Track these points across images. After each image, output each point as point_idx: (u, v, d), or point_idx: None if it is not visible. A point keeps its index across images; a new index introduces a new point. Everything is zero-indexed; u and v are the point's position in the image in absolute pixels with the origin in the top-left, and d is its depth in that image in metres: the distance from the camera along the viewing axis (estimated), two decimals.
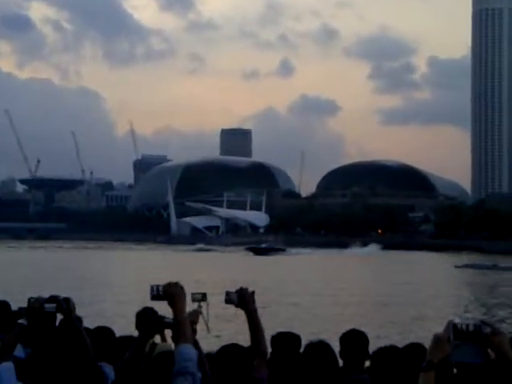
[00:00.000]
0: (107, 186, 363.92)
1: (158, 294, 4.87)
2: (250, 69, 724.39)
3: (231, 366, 5.11)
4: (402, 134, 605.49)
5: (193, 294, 5.57)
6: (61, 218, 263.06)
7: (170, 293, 4.83)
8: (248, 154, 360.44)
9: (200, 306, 5.79)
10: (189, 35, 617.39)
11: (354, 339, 6.08)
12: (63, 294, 5.80)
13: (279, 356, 6.07)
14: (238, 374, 5.10)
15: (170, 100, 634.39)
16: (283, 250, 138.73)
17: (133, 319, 5.87)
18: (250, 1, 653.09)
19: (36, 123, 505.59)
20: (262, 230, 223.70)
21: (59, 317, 5.83)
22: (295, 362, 5.67)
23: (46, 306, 5.67)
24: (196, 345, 5.51)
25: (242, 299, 5.73)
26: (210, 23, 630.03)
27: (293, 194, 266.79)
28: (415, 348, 5.76)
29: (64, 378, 4.88)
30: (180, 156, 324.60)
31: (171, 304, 4.83)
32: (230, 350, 5.22)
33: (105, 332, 6.67)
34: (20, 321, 5.72)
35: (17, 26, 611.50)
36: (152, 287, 4.90)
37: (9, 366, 5.47)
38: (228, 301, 5.73)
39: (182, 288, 4.87)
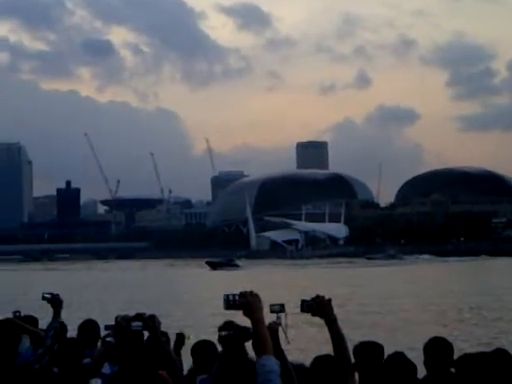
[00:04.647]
0: (186, 204, 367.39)
1: (233, 303, 4.74)
2: (326, 83, 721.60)
3: (327, 377, 5.09)
4: (482, 140, 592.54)
5: (271, 305, 5.51)
6: (141, 236, 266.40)
7: (246, 302, 4.69)
8: (324, 166, 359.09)
9: (279, 318, 5.75)
10: (266, 52, 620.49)
11: (438, 347, 6.03)
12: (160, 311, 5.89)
13: (362, 366, 6.03)
14: (334, 383, 5.09)
15: (247, 117, 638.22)
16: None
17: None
18: (326, 16, 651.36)
19: (115, 145, 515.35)
20: (341, 242, 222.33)
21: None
22: (378, 372, 5.64)
23: (133, 324, 5.78)
24: (281, 355, 5.53)
25: (320, 307, 5.70)
26: (287, 40, 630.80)
27: (372, 205, 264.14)
28: (501, 354, 5.66)
29: None
30: (257, 172, 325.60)
31: (247, 314, 4.68)
32: (324, 360, 5.21)
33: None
34: (108, 339, 5.85)
35: (97, 51, 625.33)
36: (227, 296, 4.76)
37: (97, 382, 5.61)
38: (304, 309, 5.67)
39: (258, 297, 4.73)
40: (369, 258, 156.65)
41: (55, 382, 5.69)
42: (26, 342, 8.21)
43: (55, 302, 7.73)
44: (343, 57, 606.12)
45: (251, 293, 4.77)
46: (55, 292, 7.83)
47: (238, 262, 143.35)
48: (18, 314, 9.49)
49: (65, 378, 6.21)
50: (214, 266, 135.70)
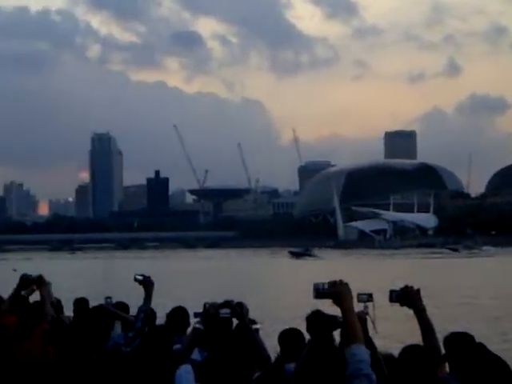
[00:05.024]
0: (273, 193, 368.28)
1: (323, 292, 4.76)
2: (415, 71, 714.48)
3: (416, 367, 5.05)
4: None
5: (359, 294, 5.49)
6: (229, 226, 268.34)
7: (336, 291, 4.69)
8: (413, 156, 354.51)
9: (366, 307, 5.72)
10: (353, 41, 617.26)
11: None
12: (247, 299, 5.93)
13: (452, 357, 5.94)
14: (424, 373, 5.04)
15: (334, 107, 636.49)
16: None
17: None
18: (415, 4, 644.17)
19: (203, 136, 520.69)
20: (430, 232, 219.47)
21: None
22: (469, 363, 5.55)
23: (221, 311, 5.84)
24: (370, 345, 5.50)
25: (408, 298, 5.64)
26: (375, 28, 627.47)
27: (461, 195, 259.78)
28: None
29: (239, 381, 5.04)
30: (344, 161, 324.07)
31: (337, 302, 4.67)
32: (414, 350, 5.17)
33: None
34: (196, 325, 5.92)
35: (185, 42, 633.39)
36: (316, 285, 4.78)
37: (187, 368, 5.68)
38: (393, 299, 5.64)
39: (347, 286, 4.72)
40: (451, 249, 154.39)
41: (145, 365, 5.80)
42: (117, 327, 8.39)
43: (146, 283, 7.83)
44: (432, 45, 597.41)
45: (341, 281, 4.79)
46: (147, 274, 7.93)
47: (314, 252, 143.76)
48: (109, 300, 9.70)
49: (155, 364, 6.32)
50: (296, 255, 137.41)
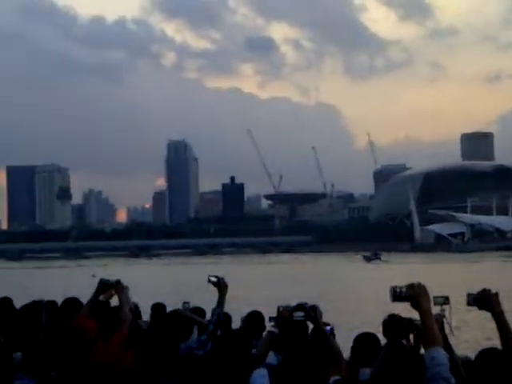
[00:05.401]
0: (349, 197, 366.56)
1: (400, 294, 4.71)
2: (492, 72, 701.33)
3: (494, 370, 4.96)
4: None
5: (435, 297, 5.42)
6: (304, 231, 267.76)
7: (414, 294, 4.65)
8: (490, 157, 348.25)
9: (443, 310, 5.65)
10: (428, 43, 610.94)
11: None
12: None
13: None
14: (501, 377, 4.95)
15: (409, 109, 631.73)
16: None
17: None
18: (490, 4, 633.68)
19: (278, 140, 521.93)
20: (509, 235, 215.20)
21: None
22: None
23: (295, 314, 5.84)
24: (448, 348, 5.42)
25: (486, 301, 5.55)
26: (450, 29, 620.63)
27: None
28: None
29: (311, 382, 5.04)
30: (420, 164, 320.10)
31: (415, 305, 4.63)
32: (491, 353, 5.08)
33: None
34: (271, 329, 5.93)
35: (259, 47, 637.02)
36: (393, 288, 4.74)
37: (262, 372, 5.70)
38: (470, 303, 5.56)
39: (425, 288, 4.68)
40: None
41: (219, 368, 5.84)
42: (195, 332, 8.48)
43: (220, 285, 7.88)
44: (509, 45, 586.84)
45: (419, 284, 4.74)
46: (221, 276, 7.98)
47: (382, 256, 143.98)
48: (187, 304, 9.84)
49: (230, 367, 6.36)
50: (367, 259, 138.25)
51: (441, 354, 4.44)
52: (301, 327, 6.15)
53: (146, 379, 5.97)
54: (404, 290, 4.72)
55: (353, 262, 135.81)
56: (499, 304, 5.55)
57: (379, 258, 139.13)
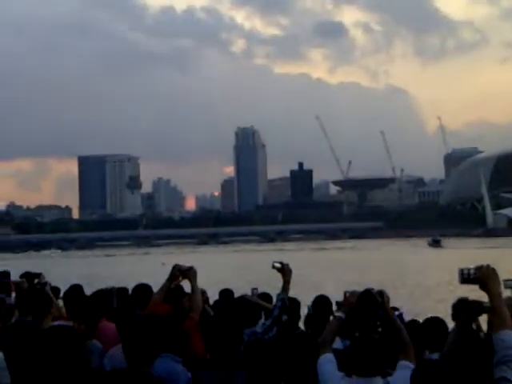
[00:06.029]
0: (419, 182, 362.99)
1: (468, 277, 4.66)
2: None
3: None
4: None
5: (504, 280, 5.30)
6: (374, 216, 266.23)
7: (482, 276, 4.59)
8: None
9: None
10: (501, 23, 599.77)
11: None
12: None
13: None
14: None
15: (481, 91, 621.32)
16: None
17: None
18: None
19: (347, 126, 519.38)
20: None
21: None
22: None
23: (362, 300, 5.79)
24: None
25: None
26: None
27: None
28: None
29: (378, 367, 4.98)
30: (492, 147, 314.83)
31: (483, 288, 4.58)
32: None
33: None
34: (338, 314, 5.90)
35: (329, 32, 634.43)
36: (462, 270, 4.69)
37: (329, 357, 5.68)
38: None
39: (494, 270, 4.61)
40: None
41: (286, 354, 5.82)
42: (262, 318, 8.50)
43: (285, 270, 7.88)
44: None
45: (488, 266, 4.64)
46: (285, 262, 7.98)
47: (442, 241, 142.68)
48: (255, 290, 9.97)
49: (296, 352, 6.35)
50: (434, 244, 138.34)
51: (510, 336, 4.34)
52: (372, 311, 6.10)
53: (218, 365, 6.00)
54: (473, 271, 4.64)
55: (419, 247, 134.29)
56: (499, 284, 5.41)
57: (440, 244, 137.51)
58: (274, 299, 8.23)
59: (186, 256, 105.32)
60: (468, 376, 4.03)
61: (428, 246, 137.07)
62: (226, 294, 10.72)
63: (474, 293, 5.24)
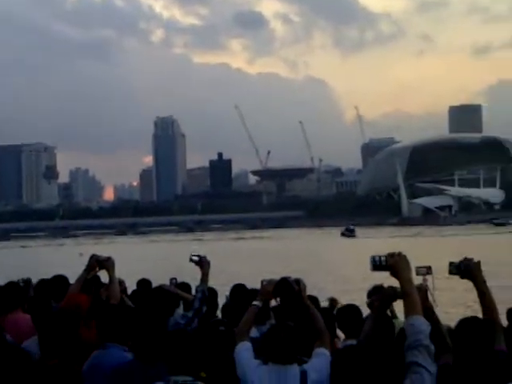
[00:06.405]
0: (337, 172, 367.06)
1: (380, 264, 4.73)
2: (481, 44, 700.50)
3: (473, 339, 5.00)
4: None
5: (417, 267, 5.43)
6: (292, 206, 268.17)
7: (393, 263, 4.66)
8: (478, 130, 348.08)
9: (425, 280, 5.65)
10: (417, 16, 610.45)
11: None
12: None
13: None
14: (480, 346, 4.99)
15: (398, 83, 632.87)
16: None
17: None
18: None
19: (266, 116, 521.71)
20: (497, 207, 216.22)
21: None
22: None
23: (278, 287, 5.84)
24: (432, 316, 5.45)
25: (468, 269, 5.56)
26: (439, 1, 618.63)
27: None
28: None
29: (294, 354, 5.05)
30: (408, 137, 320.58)
31: (394, 274, 4.65)
32: (470, 322, 5.12)
33: None
34: (255, 302, 5.93)
35: (248, 23, 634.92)
36: (374, 257, 4.75)
37: (246, 345, 5.71)
38: (453, 272, 5.57)
39: (405, 257, 4.67)
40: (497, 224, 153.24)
41: (205, 344, 5.84)
42: (179, 308, 8.49)
43: (202, 263, 7.89)
44: (498, 16, 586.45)
45: (399, 253, 4.73)
46: (203, 254, 8.00)
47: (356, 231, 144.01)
48: (174, 280, 9.94)
49: (217, 343, 6.39)
50: (348, 233, 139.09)
51: (421, 321, 4.45)
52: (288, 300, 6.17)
53: (140, 356, 5.97)
54: (384, 259, 4.72)
55: (335, 237, 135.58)
56: (481, 273, 5.57)
57: (353, 234, 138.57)
58: (194, 289, 8.22)
59: (104, 246, 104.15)
60: (385, 361, 4.11)
61: (340, 236, 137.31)
62: (143, 284, 10.67)
63: (388, 280, 5.35)
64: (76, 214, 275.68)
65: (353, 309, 7.05)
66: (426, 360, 4.34)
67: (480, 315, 5.42)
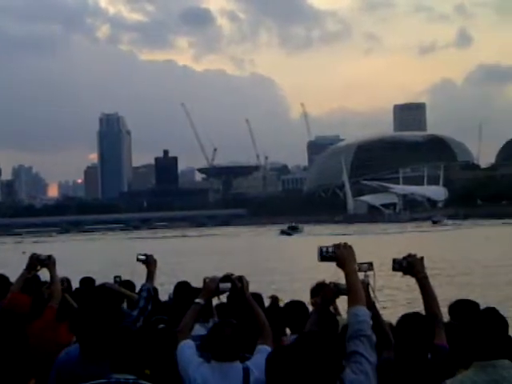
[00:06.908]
0: (283, 169, 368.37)
1: (327, 254, 4.80)
2: (426, 43, 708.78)
3: (413, 334, 5.07)
4: None
5: (359, 263, 5.47)
6: (238, 203, 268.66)
7: (340, 254, 4.72)
8: (423, 128, 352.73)
9: (367, 276, 5.70)
10: (363, 14, 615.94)
11: None
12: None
13: (458, 325, 5.91)
14: (420, 341, 5.06)
15: (344, 80, 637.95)
16: None
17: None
18: None
19: (212, 113, 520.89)
20: (440, 205, 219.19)
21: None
22: (474, 330, 5.51)
23: (221, 285, 5.83)
24: (374, 310, 5.51)
25: (411, 266, 5.63)
26: (386, 1, 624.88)
27: (471, 166, 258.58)
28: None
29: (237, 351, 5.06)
30: (354, 135, 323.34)
31: (340, 265, 4.70)
32: (411, 318, 5.18)
33: None
34: (197, 300, 5.91)
35: (195, 20, 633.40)
36: (321, 248, 4.82)
37: (189, 343, 5.69)
38: (396, 268, 5.64)
39: (351, 249, 4.75)
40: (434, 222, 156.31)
41: (149, 343, 5.80)
42: (123, 306, 8.45)
43: (149, 262, 7.89)
44: (443, 16, 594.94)
45: (345, 244, 4.80)
46: (149, 253, 7.99)
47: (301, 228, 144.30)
48: (118, 279, 9.89)
49: (157, 342, 6.37)
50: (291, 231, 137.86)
51: (364, 312, 4.50)
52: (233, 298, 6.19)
53: (88, 355, 5.92)
54: (331, 249, 4.78)
55: (274, 234, 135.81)
56: (424, 269, 5.64)
57: (297, 231, 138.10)
58: (138, 287, 8.18)
59: (47, 245, 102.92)
60: (323, 357, 4.10)
61: (282, 234, 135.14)
62: (86, 282, 10.58)
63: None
64: (19, 211, 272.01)
65: (298, 304, 7.09)
66: (367, 350, 4.37)
67: (423, 311, 5.50)
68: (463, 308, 6.36)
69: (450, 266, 48.03)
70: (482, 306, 5.53)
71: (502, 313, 4.81)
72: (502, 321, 4.81)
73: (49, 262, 7.92)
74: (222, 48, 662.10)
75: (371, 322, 4.61)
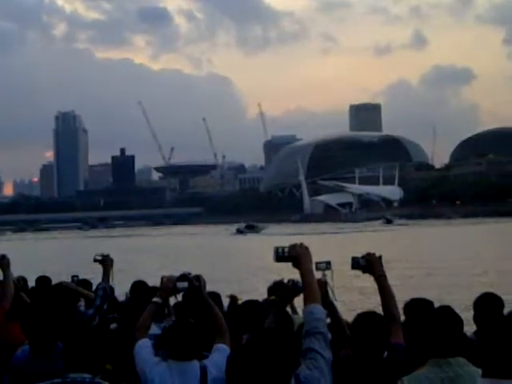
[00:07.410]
0: (240, 169, 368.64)
1: (282, 255, 4.78)
2: (382, 44, 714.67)
3: (369, 332, 5.12)
4: None
5: (317, 262, 5.49)
6: (196, 202, 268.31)
7: (295, 254, 4.72)
8: (378, 128, 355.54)
9: (325, 275, 5.73)
10: (320, 15, 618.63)
11: (488, 302, 5.99)
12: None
13: (413, 323, 5.98)
14: (376, 339, 5.12)
15: (301, 81, 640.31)
16: None
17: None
18: None
19: (169, 112, 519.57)
20: (396, 204, 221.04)
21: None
22: (429, 328, 5.58)
23: (179, 284, 5.83)
24: (332, 308, 5.54)
25: (369, 264, 5.69)
26: (342, 1, 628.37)
27: (426, 166, 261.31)
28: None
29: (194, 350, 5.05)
30: (310, 135, 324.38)
31: (296, 265, 4.71)
32: (367, 316, 5.22)
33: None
34: (154, 299, 5.90)
35: (153, 18, 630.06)
36: (277, 248, 4.80)
37: (146, 342, 5.69)
38: (354, 266, 5.69)
39: (307, 249, 4.75)
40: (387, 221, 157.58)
41: (105, 342, 5.78)
42: (81, 305, 8.40)
43: (105, 262, 7.87)
44: (399, 17, 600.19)
45: (301, 244, 4.81)
46: (106, 253, 7.98)
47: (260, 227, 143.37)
48: (75, 278, 9.86)
49: (119, 339, 6.34)
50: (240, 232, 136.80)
51: (319, 310, 4.52)
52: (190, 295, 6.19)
53: (38, 353, 5.88)
54: (286, 249, 4.79)
55: (234, 233, 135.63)
56: (382, 267, 5.70)
57: (254, 230, 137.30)
58: (94, 286, 8.14)
59: (2, 244, 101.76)
60: (277, 353, 4.12)
61: (237, 233, 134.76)
62: (42, 281, 10.49)
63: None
64: None
65: (255, 304, 7.11)
66: (321, 347, 4.39)
67: (380, 310, 5.55)
68: (418, 306, 6.43)
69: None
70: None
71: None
72: (457, 319, 4.88)
73: (2, 262, 7.83)
74: (180, 47, 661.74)
75: (327, 320, 4.63)
